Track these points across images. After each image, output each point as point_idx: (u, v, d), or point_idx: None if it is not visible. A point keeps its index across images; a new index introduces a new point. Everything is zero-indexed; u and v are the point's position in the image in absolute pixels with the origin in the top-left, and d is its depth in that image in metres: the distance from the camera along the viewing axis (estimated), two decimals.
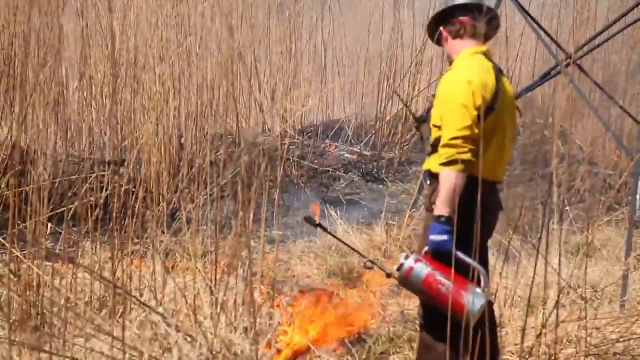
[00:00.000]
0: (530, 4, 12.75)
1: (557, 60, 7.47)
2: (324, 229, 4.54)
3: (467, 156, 3.74)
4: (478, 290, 3.71)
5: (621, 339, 5.06)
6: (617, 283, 6.52)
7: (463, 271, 3.70)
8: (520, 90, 8.67)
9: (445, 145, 3.83)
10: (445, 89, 3.98)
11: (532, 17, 8.11)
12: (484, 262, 4.13)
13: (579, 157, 11.43)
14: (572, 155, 11.07)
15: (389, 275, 4.08)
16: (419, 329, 4.31)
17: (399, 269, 3.91)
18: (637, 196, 7.34)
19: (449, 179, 3.80)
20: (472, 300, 3.67)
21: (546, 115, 13.18)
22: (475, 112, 3.80)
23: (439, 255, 3.87)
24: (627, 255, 6.76)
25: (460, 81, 3.91)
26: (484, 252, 4.19)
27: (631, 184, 7.49)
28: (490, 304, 4.30)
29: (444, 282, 3.76)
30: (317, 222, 4.52)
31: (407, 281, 3.90)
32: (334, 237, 4.69)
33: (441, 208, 3.85)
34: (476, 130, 3.78)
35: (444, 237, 3.82)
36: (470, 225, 3.50)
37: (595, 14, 13.30)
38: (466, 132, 3.78)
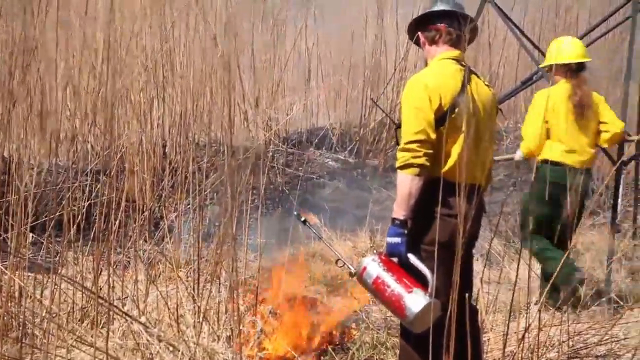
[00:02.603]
0: (513, 9, 12.83)
1: (538, 66, 7.51)
2: (309, 226, 4.60)
3: (422, 160, 3.78)
4: (422, 293, 3.73)
5: (602, 342, 5.09)
6: (598, 286, 6.56)
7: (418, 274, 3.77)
8: (502, 95, 8.71)
9: (402, 149, 3.87)
10: (405, 92, 4.04)
11: (514, 23, 8.16)
12: (466, 268, 4.14)
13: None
14: None
15: (351, 274, 4.12)
16: (399, 336, 4.32)
17: (357, 268, 3.97)
18: (619, 200, 7.38)
19: (404, 183, 3.84)
20: (413, 304, 3.70)
21: None
22: (432, 116, 3.84)
23: (394, 257, 3.93)
24: (609, 259, 6.80)
25: (417, 85, 3.95)
26: (467, 258, 4.20)
27: (613, 188, 7.53)
28: (474, 310, 4.31)
29: (391, 283, 3.80)
30: (303, 218, 4.59)
31: (361, 280, 3.96)
32: (316, 233, 4.72)
33: (397, 211, 3.90)
34: (432, 135, 3.82)
35: (398, 239, 3.88)
36: (436, 229, 3.55)
37: (577, 19, 13.37)
38: (421, 136, 3.81)
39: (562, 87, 6.62)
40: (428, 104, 3.85)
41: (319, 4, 13.69)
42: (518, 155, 6.89)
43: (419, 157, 3.79)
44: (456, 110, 3.90)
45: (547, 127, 6.55)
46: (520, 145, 6.79)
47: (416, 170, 3.79)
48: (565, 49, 6.68)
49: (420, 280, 3.76)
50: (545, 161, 6.52)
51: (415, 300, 3.70)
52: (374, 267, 3.89)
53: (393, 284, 3.80)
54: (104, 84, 9.03)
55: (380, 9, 13.61)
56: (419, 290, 3.73)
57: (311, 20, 13.43)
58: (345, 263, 4.24)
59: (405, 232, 3.86)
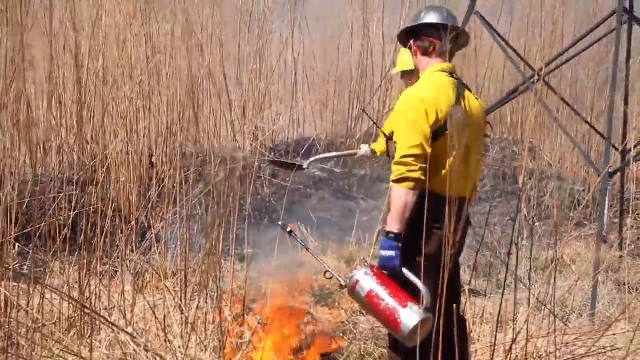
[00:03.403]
0: (499, 21, 12.89)
1: (525, 77, 7.54)
2: (295, 237, 4.59)
3: (417, 175, 3.78)
4: (416, 308, 3.73)
5: (590, 354, 5.10)
6: (586, 298, 6.58)
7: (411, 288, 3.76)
8: (489, 106, 8.73)
9: (397, 163, 3.86)
10: (400, 105, 4.03)
11: (499, 35, 8.19)
12: (454, 280, 4.15)
13: (548, 173, 11.50)
14: (541, 171, 11.14)
15: (342, 287, 4.11)
16: (388, 347, 4.31)
17: (349, 281, 3.95)
18: (605, 212, 7.41)
19: (399, 196, 3.84)
20: (408, 318, 3.69)
21: (515, 132, 13.28)
22: (428, 130, 3.84)
23: (388, 271, 3.92)
24: (595, 270, 6.82)
25: (414, 99, 3.95)
26: (455, 269, 4.21)
27: (599, 199, 7.56)
28: (462, 320, 4.31)
29: (385, 297, 3.79)
30: (289, 229, 4.58)
31: (353, 293, 3.96)
32: (303, 245, 4.72)
33: (391, 225, 3.89)
34: (428, 149, 3.82)
35: (392, 253, 3.88)
36: (428, 242, 3.54)
37: (563, 31, 13.43)
38: (417, 151, 3.82)
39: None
40: (424, 117, 3.85)
41: (304, 14, 13.71)
42: (363, 150, 7.10)
43: (415, 171, 3.79)
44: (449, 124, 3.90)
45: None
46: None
47: (412, 184, 3.79)
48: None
49: (412, 293, 3.75)
50: None
51: (411, 315, 3.70)
52: (367, 281, 3.88)
53: (387, 298, 3.79)
54: (89, 94, 9.02)
55: (366, 19, 13.63)
56: (413, 305, 3.73)
57: (297, 31, 13.44)
58: (334, 275, 4.23)
59: (400, 245, 3.86)
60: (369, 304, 3.88)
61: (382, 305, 3.79)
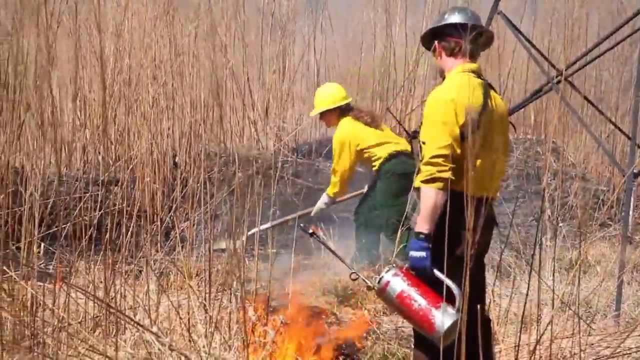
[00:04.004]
0: (522, 21, 12.84)
1: (548, 77, 7.50)
2: (317, 238, 4.60)
3: (447, 175, 3.78)
4: (450, 309, 3.72)
5: (615, 355, 5.07)
6: (610, 299, 6.54)
7: (441, 288, 3.74)
8: (512, 107, 8.70)
9: (426, 164, 3.87)
10: (429, 106, 4.02)
11: (523, 35, 8.15)
12: (478, 279, 4.15)
13: (572, 173, 11.45)
14: (565, 171, 11.08)
15: (370, 288, 4.11)
16: (413, 347, 4.31)
17: (378, 282, 3.94)
18: (630, 212, 7.36)
19: (429, 197, 3.85)
20: (442, 319, 3.69)
21: (539, 132, 13.23)
22: (458, 131, 3.83)
23: (418, 272, 3.91)
24: (620, 271, 6.77)
25: (444, 100, 3.95)
26: (479, 270, 4.20)
27: (624, 200, 7.51)
28: (487, 320, 4.31)
29: (417, 298, 3.79)
30: (311, 231, 4.60)
31: (383, 295, 3.96)
32: (325, 246, 4.74)
33: (420, 225, 3.90)
34: (458, 150, 3.82)
35: (422, 253, 3.88)
36: (456, 242, 3.52)
37: (587, 31, 13.36)
38: (446, 151, 3.82)
39: (348, 122, 7.94)
40: (454, 118, 3.84)
41: (327, 15, 13.72)
42: (320, 203, 8.34)
43: (445, 171, 3.79)
44: (479, 125, 3.90)
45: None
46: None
47: (441, 184, 3.80)
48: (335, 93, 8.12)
49: (441, 294, 3.75)
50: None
51: (445, 316, 3.69)
52: (397, 282, 3.88)
53: (420, 299, 3.79)
54: (113, 95, 9.09)
55: (389, 19, 13.62)
56: (446, 306, 3.72)
57: (319, 31, 13.45)
58: (360, 277, 4.23)
59: (429, 246, 3.86)
60: (400, 305, 3.88)
61: (415, 306, 3.79)
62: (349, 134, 7.77)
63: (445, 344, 3.68)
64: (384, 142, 7.78)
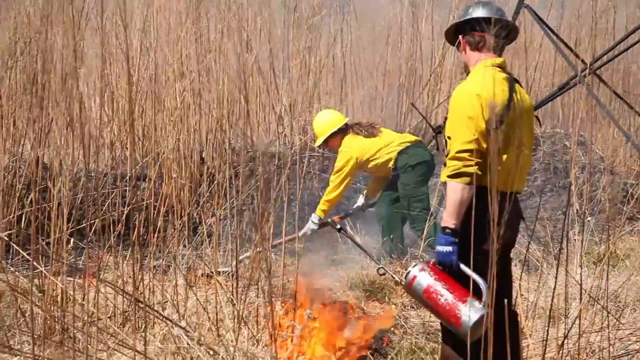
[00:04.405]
0: (549, 15, 12.75)
1: (576, 71, 7.47)
2: (345, 234, 4.64)
3: (473, 169, 3.77)
4: (477, 303, 3.72)
5: None
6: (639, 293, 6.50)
7: (468, 283, 3.74)
8: (539, 100, 8.66)
9: (452, 158, 3.87)
10: (455, 101, 4.02)
11: (550, 28, 8.12)
12: (505, 274, 4.14)
13: (600, 167, 11.36)
14: (593, 165, 11.01)
15: (397, 283, 4.12)
16: (441, 341, 4.32)
17: (405, 277, 3.96)
18: None
19: (455, 191, 3.85)
20: (469, 313, 3.69)
21: (566, 125, 13.14)
22: (484, 126, 3.82)
23: (446, 266, 3.92)
24: None
25: (470, 94, 3.94)
26: (505, 264, 4.20)
27: None
28: (514, 314, 4.30)
29: (444, 293, 3.80)
30: (338, 226, 4.63)
31: (410, 289, 3.98)
32: (353, 241, 4.78)
33: (447, 220, 3.91)
34: (484, 144, 3.81)
35: (449, 248, 3.89)
36: (483, 237, 3.50)
37: (614, 24, 13.24)
38: (472, 146, 3.81)
39: (351, 139, 8.29)
40: (480, 113, 3.83)
41: (352, 9, 13.68)
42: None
43: (471, 166, 3.78)
44: (505, 119, 3.89)
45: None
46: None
47: (467, 179, 3.79)
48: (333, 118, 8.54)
49: (469, 289, 3.75)
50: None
51: (472, 311, 3.69)
52: (424, 277, 3.89)
53: (446, 294, 3.79)
54: (140, 91, 9.13)
55: (416, 14, 13.57)
56: (473, 301, 3.72)
57: (345, 26, 13.41)
58: (387, 272, 4.25)
59: (456, 240, 3.86)
60: (427, 300, 3.89)
61: (442, 301, 3.80)
62: (354, 149, 8.14)
63: (472, 339, 3.68)
64: (387, 144, 8.18)
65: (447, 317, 3.82)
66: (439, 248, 3.94)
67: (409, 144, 8.16)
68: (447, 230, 3.90)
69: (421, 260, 4.05)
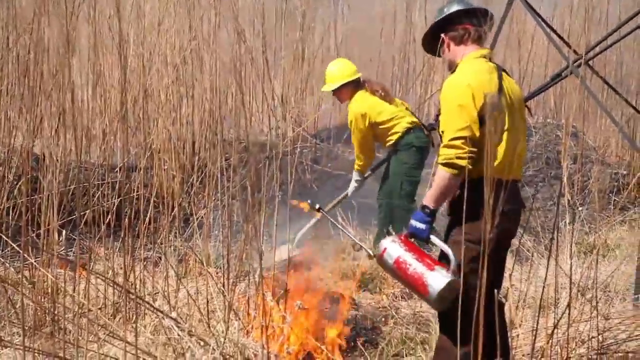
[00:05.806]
0: (542, 6, 12.74)
1: (568, 61, 7.47)
2: (323, 211, 4.71)
3: (464, 162, 3.78)
4: (444, 271, 3.77)
5: (632, 338, 5.07)
6: (629, 282, 6.52)
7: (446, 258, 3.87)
8: (532, 91, 8.66)
9: (445, 146, 3.87)
10: (445, 93, 4.03)
11: (542, 19, 8.11)
12: (502, 265, 4.20)
13: (591, 157, 11.39)
14: (584, 155, 11.02)
15: (370, 257, 4.18)
16: (439, 330, 4.33)
17: (377, 249, 4.01)
18: None
19: (443, 179, 3.89)
20: (435, 280, 3.75)
21: (559, 116, 13.17)
22: (476, 114, 3.83)
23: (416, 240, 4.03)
24: (639, 254, 6.75)
25: (460, 84, 3.95)
26: (504, 255, 4.25)
27: None
28: (500, 305, 4.31)
29: (412, 262, 3.86)
30: (318, 206, 4.69)
31: (381, 261, 4.03)
32: (332, 220, 4.87)
33: (429, 200, 3.97)
34: (476, 132, 3.81)
35: (422, 226, 3.96)
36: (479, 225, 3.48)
37: (607, 14, 13.25)
38: (465, 133, 3.81)
39: (363, 95, 7.95)
40: (472, 101, 3.84)
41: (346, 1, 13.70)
42: (353, 182, 8.32)
43: (463, 158, 3.79)
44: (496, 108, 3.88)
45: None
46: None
47: (457, 171, 3.81)
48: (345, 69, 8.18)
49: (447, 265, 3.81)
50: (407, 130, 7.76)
51: (438, 278, 3.76)
52: (394, 248, 3.94)
53: (414, 263, 3.85)
54: (134, 82, 9.12)
55: (409, 5, 13.58)
56: (440, 268, 3.78)
57: (339, 17, 13.43)
58: (362, 247, 4.31)
59: (431, 221, 3.94)
60: (397, 270, 3.94)
61: (410, 270, 3.85)
62: (365, 107, 7.81)
63: (441, 307, 3.76)
64: (399, 116, 7.83)
65: (415, 286, 3.87)
66: (414, 223, 3.99)
67: (417, 124, 7.87)
68: (427, 210, 3.95)
69: (391, 233, 4.08)
